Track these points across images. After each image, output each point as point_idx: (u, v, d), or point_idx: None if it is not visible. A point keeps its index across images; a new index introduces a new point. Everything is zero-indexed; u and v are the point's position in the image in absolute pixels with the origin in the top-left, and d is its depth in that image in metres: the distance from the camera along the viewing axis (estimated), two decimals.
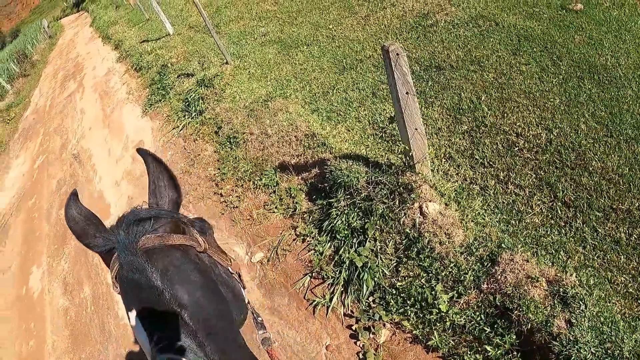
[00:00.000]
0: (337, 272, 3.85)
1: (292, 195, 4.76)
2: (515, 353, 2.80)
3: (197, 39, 10.70)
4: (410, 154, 3.71)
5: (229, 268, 1.61)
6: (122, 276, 1.25)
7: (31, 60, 27.31)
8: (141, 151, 1.43)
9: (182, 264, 1.28)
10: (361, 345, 3.42)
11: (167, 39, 11.98)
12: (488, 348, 2.86)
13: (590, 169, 3.62)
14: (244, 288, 1.83)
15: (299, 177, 4.88)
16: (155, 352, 1.12)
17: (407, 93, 3.26)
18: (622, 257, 3.04)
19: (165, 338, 1.13)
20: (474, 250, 3.28)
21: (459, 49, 5.64)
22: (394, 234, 3.68)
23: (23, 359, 5.91)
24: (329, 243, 4.08)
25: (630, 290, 2.87)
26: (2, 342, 6.37)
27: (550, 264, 3.09)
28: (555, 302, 2.78)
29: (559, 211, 3.45)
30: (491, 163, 4.00)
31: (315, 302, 3.80)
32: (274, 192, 5.01)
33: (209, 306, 1.26)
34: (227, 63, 7.96)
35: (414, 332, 3.23)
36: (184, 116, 7.61)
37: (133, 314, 1.24)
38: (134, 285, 1.21)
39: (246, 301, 1.78)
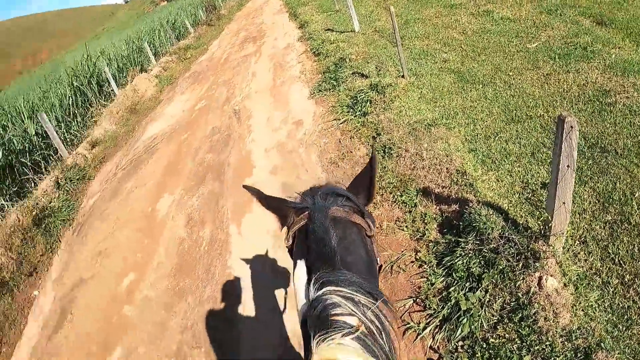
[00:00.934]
0: (440, 307, 3.98)
1: (426, 221, 4.95)
2: None
3: (380, 44, 11.06)
4: (550, 224, 3.80)
5: (378, 259, 1.90)
6: (306, 231, 1.51)
7: (218, 13, 29.18)
8: (373, 156, 1.65)
9: (355, 239, 1.52)
10: None
11: (351, 34, 12.45)
12: None
13: None
14: None
15: (437, 207, 5.07)
16: (314, 288, 1.28)
17: (567, 166, 3.37)
18: None
19: (326, 281, 1.27)
20: (574, 338, 3.32)
21: (629, 138, 5.48)
22: (505, 293, 3.77)
23: (127, 266, 6.63)
24: (443, 278, 4.23)
25: None
26: (117, 247, 7.15)
27: None
28: None
29: None
30: (622, 262, 3.94)
31: (409, 325, 3.98)
32: (410, 212, 5.22)
33: (366, 278, 1.40)
34: (402, 76, 8.28)
35: None
36: (348, 112, 8.00)
37: (302, 262, 1.50)
38: (313, 241, 1.43)
39: None
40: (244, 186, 1.82)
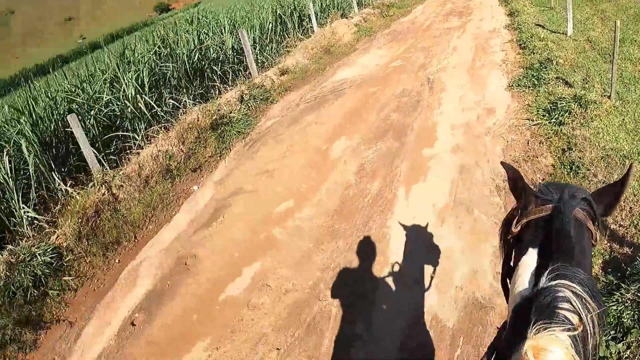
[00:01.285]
0: None
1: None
2: None
3: (590, 55, 10.59)
4: None
5: None
6: (545, 223, 1.56)
7: None
8: (628, 174, 1.62)
9: (587, 244, 1.56)
10: None
11: (561, 37, 12.09)
12: None
13: None
14: None
15: (608, 244, 4.88)
16: (547, 278, 1.31)
17: None
18: None
19: (562, 274, 1.30)
20: None
21: None
22: None
23: (289, 192, 7.06)
24: None
25: None
26: (284, 172, 7.70)
27: None
28: None
29: None
30: None
31: None
32: None
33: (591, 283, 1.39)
34: (608, 97, 8.03)
35: None
36: (543, 116, 7.93)
37: (534, 251, 1.55)
38: (555, 234, 1.47)
39: None
40: (502, 163, 1.87)
